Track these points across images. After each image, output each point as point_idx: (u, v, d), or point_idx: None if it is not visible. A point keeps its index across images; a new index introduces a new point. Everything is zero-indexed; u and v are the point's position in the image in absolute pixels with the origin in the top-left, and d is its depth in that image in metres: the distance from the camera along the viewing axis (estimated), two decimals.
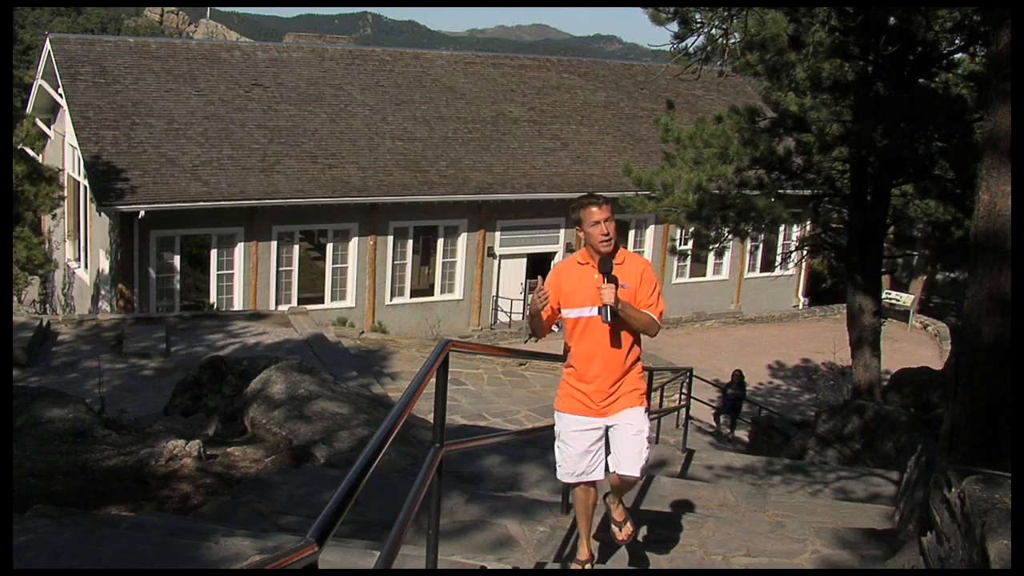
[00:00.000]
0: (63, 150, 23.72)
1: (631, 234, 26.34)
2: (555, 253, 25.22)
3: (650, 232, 26.43)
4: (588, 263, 4.44)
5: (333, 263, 22.89)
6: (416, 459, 6.58)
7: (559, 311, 4.59)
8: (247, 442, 6.98)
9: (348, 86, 24.89)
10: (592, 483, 4.49)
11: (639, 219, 25.75)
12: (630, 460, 4.36)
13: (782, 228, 24.13)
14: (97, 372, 12.09)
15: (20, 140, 19.14)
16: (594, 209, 4.33)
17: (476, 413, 13.36)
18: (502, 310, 24.60)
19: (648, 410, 4.52)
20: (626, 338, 4.42)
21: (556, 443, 4.54)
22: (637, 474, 4.36)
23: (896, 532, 5.25)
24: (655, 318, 4.40)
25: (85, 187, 21.70)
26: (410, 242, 23.67)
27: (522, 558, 4.57)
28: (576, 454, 4.44)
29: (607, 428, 4.44)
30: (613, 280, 4.25)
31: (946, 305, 33.05)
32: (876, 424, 9.92)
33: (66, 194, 22.66)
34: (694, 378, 12.51)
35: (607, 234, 4.32)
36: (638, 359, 4.50)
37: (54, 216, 23.20)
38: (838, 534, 5.24)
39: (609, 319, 4.19)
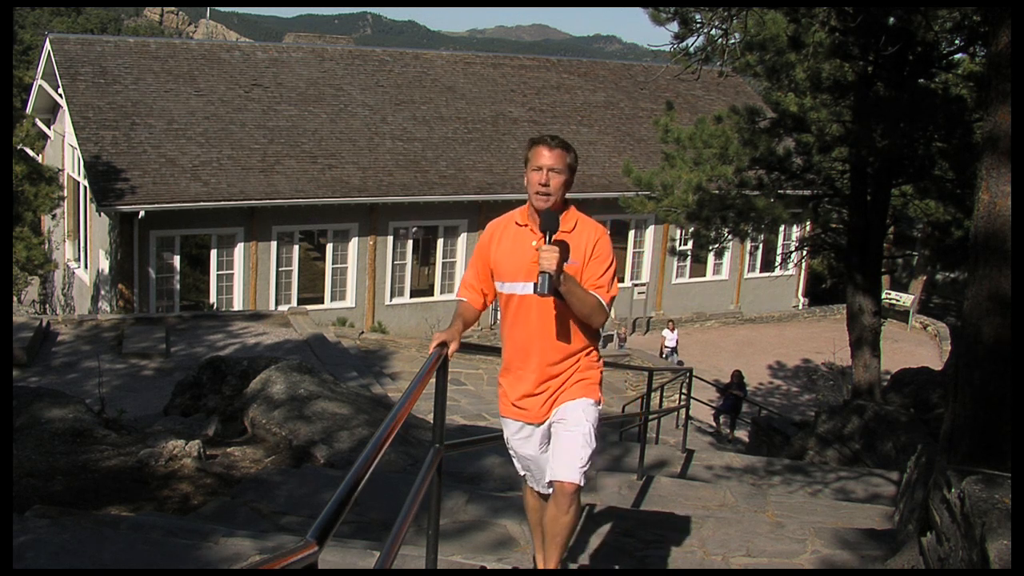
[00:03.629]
0: (63, 150, 23.71)
1: (631, 234, 26.36)
2: None
3: (650, 232, 26.43)
4: (527, 225, 3.54)
5: (333, 263, 22.88)
6: (416, 459, 6.58)
7: (488, 295, 3.70)
8: (247, 442, 6.98)
9: (348, 86, 24.89)
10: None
11: (639, 219, 25.75)
12: (558, 464, 3.55)
13: (782, 228, 24.14)
14: (97, 372, 12.08)
15: (20, 140, 19.13)
16: (543, 150, 3.45)
17: (476, 413, 13.37)
18: None
19: (598, 402, 3.67)
20: (572, 324, 3.53)
21: (508, 450, 3.85)
22: (574, 479, 3.53)
23: (896, 532, 5.25)
24: (603, 303, 3.47)
25: (85, 187, 21.70)
26: (410, 242, 23.68)
27: (522, 558, 4.56)
28: (528, 464, 3.77)
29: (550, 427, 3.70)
30: (559, 244, 3.35)
31: (946, 305, 33.07)
32: (876, 424, 9.92)
33: (66, 194, 22.65)
34: (694, 378, 12.52)
35: (546, 184, 3.42)
36: (589, 352, 3.66)
37: (54, 216, 23.19)
38: (838, 534, 5.24)
39: (546, 291, 3.27)
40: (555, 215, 3.39)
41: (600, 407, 3.67)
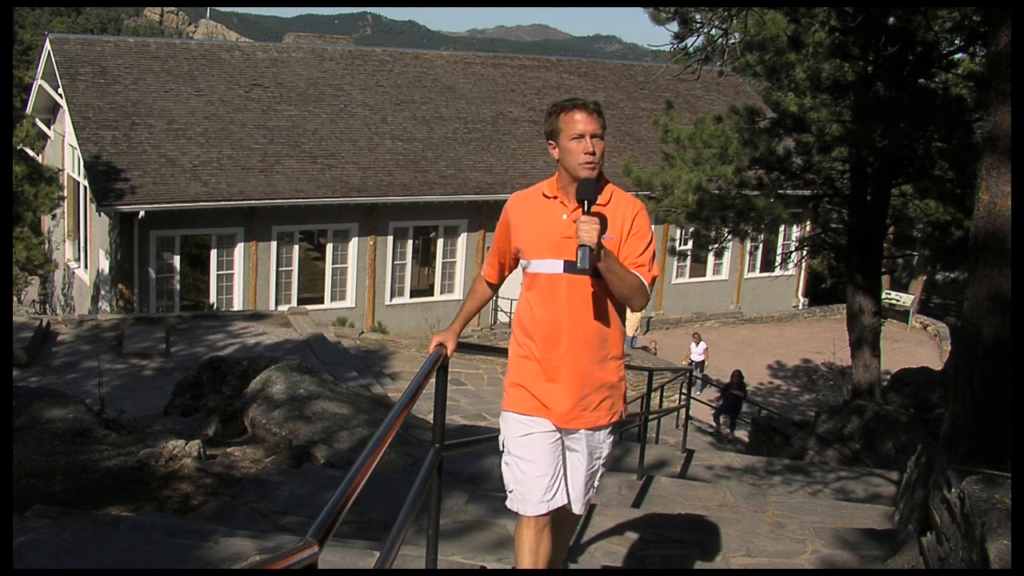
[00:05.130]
0: (63, 150, 23.71)
1: None
2: None
3: None
4: (556, 197, 3.21)
5: (333, 263, 22.89)
6: (416, 459, 6.58)
7: (506, 267, 3.44)
8: (247, 442, 6.98)
9: (348, 86, 24.89)
10: (547, 520, 3.29)
11: None
12: (578, 497, 3.36)
13: (782, 228, 24.13)
14: (97, 372, 12.09)
15: (20, 140, 19.14)
16: (578, 116, 3.11)
17: (476, 413, 13.37)
18: (502, 310, 24.61)
19: (623, 417, 3.38)
20: (606, 308, 3.19)
21: (503, 459, 3.34)
22: (579, 512, 3.40)
23: (896, 532, 5.24)
24: (645, 284, 3.13)
25: (85, 187, 21.71)
26: (410, 242, 23.68)
27: None
28: (532, 473, 3.22)
29: (564, 437, 3.31)
30: (599, 217, 3.00)
31: (946, 305, 33.07)
32: (876, 424, 9.92)
33: (66, 194, 22.66)
34: (694, 378, 12.52)
35: (592, 153, 3.09)
36: (620, 343, 3.31)
37: (54, 216, 23.20)
38: (838, 534, 5.24)
39: (587, 266, 2.92)
40: (593, 183, 3.05)
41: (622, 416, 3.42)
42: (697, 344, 21.10)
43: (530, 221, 3.24)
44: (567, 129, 3.12)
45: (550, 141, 3.20)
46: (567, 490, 3.32)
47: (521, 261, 3.30)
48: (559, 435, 3.28)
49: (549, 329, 3.19)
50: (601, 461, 3.37)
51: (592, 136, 3.10)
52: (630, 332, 21.69)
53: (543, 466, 3.23)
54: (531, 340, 3.25)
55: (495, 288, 3.57)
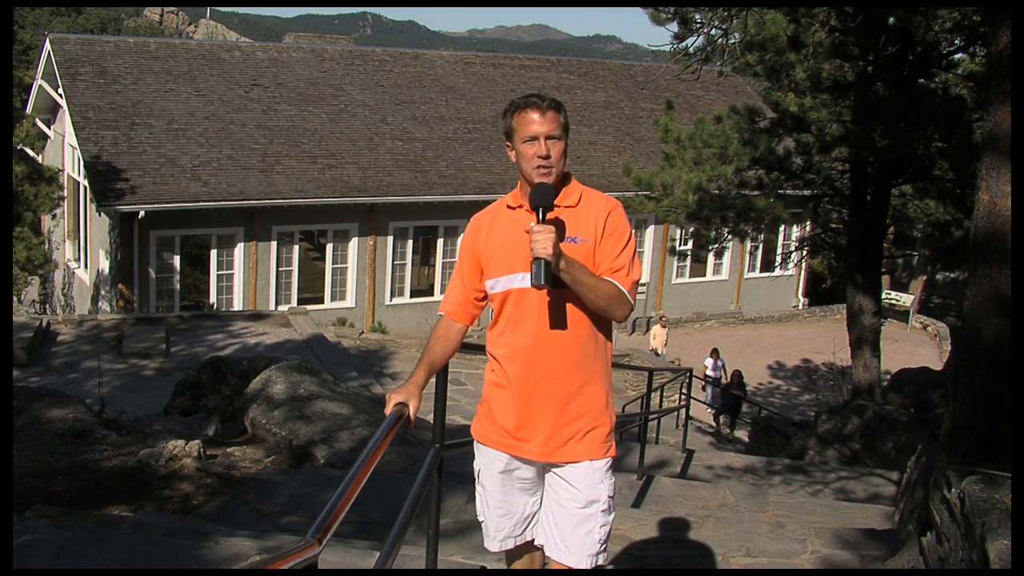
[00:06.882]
0: (63, 150, 23.71)
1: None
2: None
3: (650, 232, 26.44)
4: (522, 205, 2.91)
5: (333, 263, 22.88)
6: (416, 459, 6.58)
7: (480, 295, 3.04)
8: (247, 442, 6.98)
9: (348, 86, 24.89)
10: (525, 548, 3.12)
11: (639, 219, 25.75)
12: (571, 545, 2.86)
13: (782, 228, 24.12)
14: (97, 372, 12.09)
15: (20, 140, 19.12)
16: (534, 115, 2.82)
17: (476, 413, 13.36)
18: None
19: (614, 461, 2.96)
20: (585, 324, 2.84)
21: (477, 487, 3.14)
22: (583, 566, 2.85)
23: (896, 532, 5.24)
24: (624, 291, 2.79)
25: (85, 187, 21.70)
26: (410, 242, 23.68)
27: None
28: (497, 512, 3.05)
29: (545, 474, 2.98)
30: (555, 223, 2.73)
31: (946, 305, 33.05)
32: (876, 424, 9.93)
33: (66, 194, 22.65)
34: (694, 378, 12.52)
35: (547, 157, 2.81)
36: (606, 363, 2.92)
37: (54, 216, 23.18)
38: (838, 534, 5.24)
39: (541, 282, 2.62)
40: (549, 187, 2.79)
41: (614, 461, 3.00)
42: (716, 360, 20.16)
43: (498, 236, 2.93)
44: (520, 130, 2.85)
45: (507, 143, 2.94)
46: (553, 541, 2.92)
47: (487, 282, 2.97)
48: (536, 473, 2.98)
49: (521, 352, 2.89)
50: (600, 506, 2.86)
51: (547, 138, 2.82)
52: (659, 349, 21.58)
53: (508, 505, 3.03)
54: (502, 365, 2.96)
55: (463, 332, 3.15)
